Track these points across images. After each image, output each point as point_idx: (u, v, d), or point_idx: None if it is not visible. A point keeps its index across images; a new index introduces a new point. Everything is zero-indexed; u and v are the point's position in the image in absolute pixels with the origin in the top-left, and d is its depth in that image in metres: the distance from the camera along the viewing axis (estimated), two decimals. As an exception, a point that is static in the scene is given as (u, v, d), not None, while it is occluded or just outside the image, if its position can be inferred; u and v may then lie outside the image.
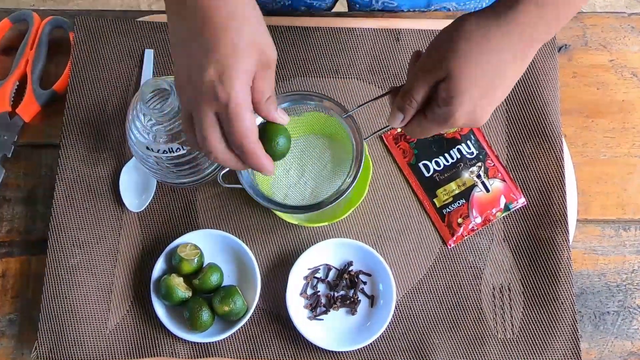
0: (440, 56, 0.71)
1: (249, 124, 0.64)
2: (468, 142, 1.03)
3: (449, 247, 1.00)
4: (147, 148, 0.89)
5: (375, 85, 1.06)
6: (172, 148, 0.88)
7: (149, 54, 1.06)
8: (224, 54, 0.61)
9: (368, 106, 0.92)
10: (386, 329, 0.96)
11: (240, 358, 0.96)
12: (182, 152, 0.89)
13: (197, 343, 0.95)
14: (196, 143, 0.68)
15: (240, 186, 0.88)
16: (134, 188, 1.02)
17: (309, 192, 0.94)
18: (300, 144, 0.95)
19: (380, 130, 0.90)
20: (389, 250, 1.00)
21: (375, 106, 1.05)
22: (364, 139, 0.88)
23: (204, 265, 0.99)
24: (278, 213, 0.96)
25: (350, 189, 0.86)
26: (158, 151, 0.88)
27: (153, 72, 1.06)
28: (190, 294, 0.97)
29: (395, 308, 0.96)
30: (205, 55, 0.62)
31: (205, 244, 0.99)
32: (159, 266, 0.98)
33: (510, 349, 0.95)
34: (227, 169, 0.91)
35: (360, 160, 0.87)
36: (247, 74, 0.63)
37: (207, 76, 0.61)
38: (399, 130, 1.03)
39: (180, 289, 0.95)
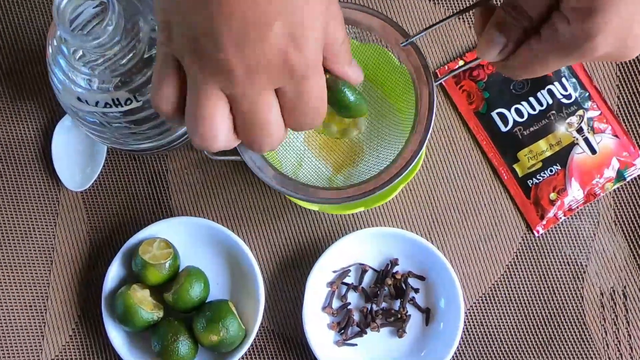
0: None
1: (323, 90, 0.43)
2: (563, 79, 0.70)
3: (536, 234, 0.69)
4: (80, 100, 0.55)
5: (445, 3, 0.72)
6: (118, 99, 0.55)
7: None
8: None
9: (434, 32, 0.59)
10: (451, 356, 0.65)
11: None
12: (136, 104, 0.56)
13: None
14: (194, 118, 0.41)
15: (237, 158, 0.56)
16: (74, 157, 0.70)
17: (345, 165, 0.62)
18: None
19: (460, 67, 0.57)
20: (450, 242, 0.70)
21: (446, 31, 0.71)
22: (436, 82, 0.55)
23: (180, 271, 0.67)
24: (296, 200, 0.63)
25: (416, 158, 0.54)
26: (97, 104, 0.55)
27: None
28: (160, 314, 0.66)
29: (463, 325, 0.66)
30: None
31: (182, 239, 0.68)
32: (114, 273, 0.67)
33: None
34: None
35: (431, 115, 0.55)
36: (321, 26, 0.41)
37: (273, 37, 0.38)
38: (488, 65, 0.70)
39: (145, 307, 0.64)
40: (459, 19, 0.72)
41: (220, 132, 0.41)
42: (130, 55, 0.54)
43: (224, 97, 0.39)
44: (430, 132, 0.56)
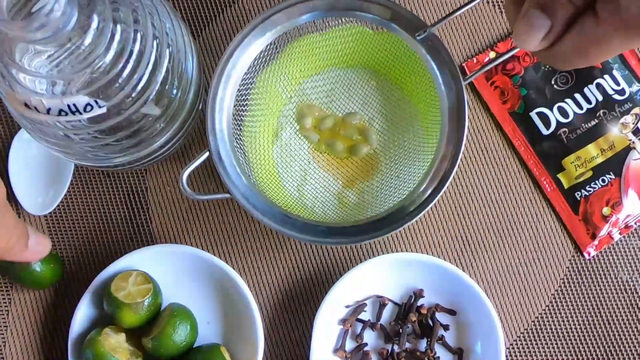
0: None
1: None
2: (614, 72, 0.59)
3: (587, 257, 0.58)
4: (28, 106, 0.44)
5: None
6: (75, 105, 0.44)
7: None
8: None
9: (458, 19, 0.48)
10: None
11: None
12: (99, 110, 0.45)
13: None
14: None
15: (226, 195, 0.47)
16: (35, 175, 0.59)
17: (355, 193, 0.52)
18: (332, 88, 0.52)
19: (493, 60, 0.46)
20: (485, 269, 0.59)
21: (472, 18, 0.60)
22: (465, 80, 0.45)
23: (162, 310, 0.56)
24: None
25: (449, 180, 0.44)
26: (49, 112, 0.44)
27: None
28: (139, 364, 0.54)
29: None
30: None
31: (165, 271, 0.57)
32: (83, 314, 0.56)
33: None
34: (193, 165, 0.48)
35: (463, 122, 0.45)
36: None
37: None
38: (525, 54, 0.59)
39: (120, 356, 0.53)
40: (487, 1, 0.61)
41: None
42: (95, 47, 0.43)
43: None
44: (464, 137, 0.46)
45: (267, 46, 0.50)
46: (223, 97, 0.50)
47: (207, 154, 0.49)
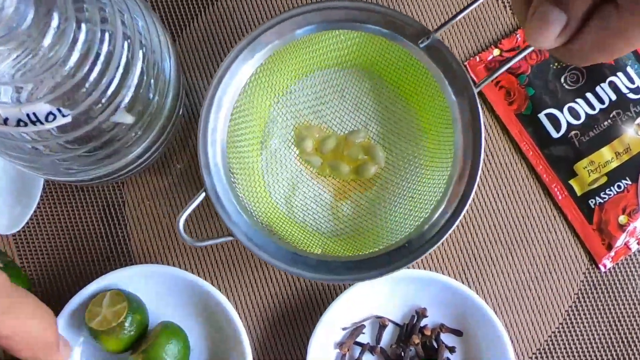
0: None
1: None
2: (628, 68, 0.55)
3: (602, 269, 0.53)
4: (-17, 117, 0.40)
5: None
6: (35, 115, 0.39)
7: None
8: None
9: (464, 21, 0.44)
10: None
11: None
12: (63, 120, 0.40)
13: None
14: None
15: (229, 238, 0.42)
16: (0, 190, 0.54)
17: (363, 207, 0.48)
18: (323, 94, 0.48)
19: (502, 64, 0.43)
20: (492, 285, 0.54)
21: (474, 12, 0.56)
22: (477, 86, 0.41)
23: (148, 329, 0.51)
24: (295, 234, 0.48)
25: (469, 200, 0.40)
26: (6, 122, 0.39)
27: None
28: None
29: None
30: None
31: (145, 294, 0.52)
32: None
33: None
34: (190, 209, 0.43)
35: (480, 134, 0.41)
36: None
37: None
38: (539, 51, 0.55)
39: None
40: (491, -4, 0.56)
41: None
42: (56, 48, 0.38)
43: None
44: (482, 150, 0.41)
45: (258, 67, 0.46)
46: (215, 127, 0.45)
47: (203, 194, 0.44)
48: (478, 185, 0.54)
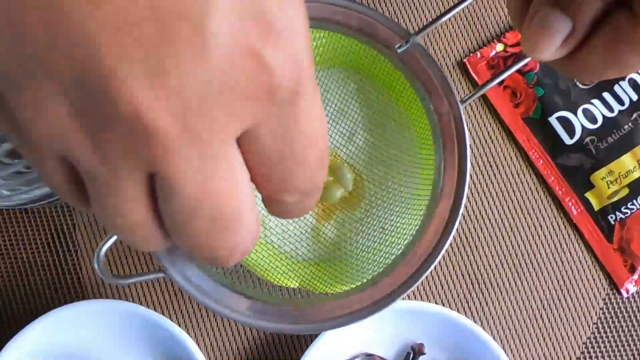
0: None
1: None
2: (650, 65, 0.47)
3: (625, 294, 0.47)
4: None
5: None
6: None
7: None
8: None
9: (463, 12, 0.37)
10: None
11: None
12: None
13: None
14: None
15: (159, 275, 0.34)
16: None
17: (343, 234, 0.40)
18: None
19: (503, 72, 0.35)
20: (498, 317, 0.48)
21: (479, 6, 0.49)
22: (463, 101, 0.34)
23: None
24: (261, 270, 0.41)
25: (453, 230, 0.32)
26: None
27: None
28: None
29: None
30: None
31: (98, 335, 0.46)
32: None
33: None
34: (110, 241, 0.34)
35: (464, 155, 0.34)
36: None
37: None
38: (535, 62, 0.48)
39: None
40: (493, -17, 0.49)
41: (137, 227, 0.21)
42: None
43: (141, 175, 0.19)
44: (467, 171, 0.34)
45: None
46: None
47: None
48: (480, 200, 0.47)
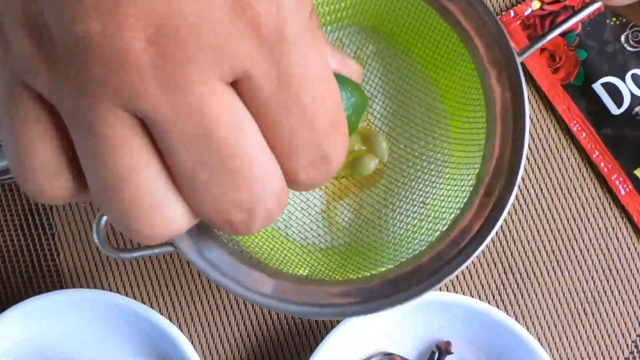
0: None
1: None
2: None
3: (680, 286, 0.41)
4: None
5: None
6: None
7: None
8: None
9: None
10: None
11: None
12: None
13: None
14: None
15: (166, 249, 0.30)
16: None
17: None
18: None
19: (568, 19, 0.29)
20: (536, 309, 0.43)
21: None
22: (520, 54, 0.28)
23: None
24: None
25: (504, 212, 0.27)
26: None
27: None
28: None
29: None
30: None
31: (77, 329, 0.41)
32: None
33: None
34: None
35: (523, 124, 0.28)
36: None
37: None
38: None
39: None
40: None
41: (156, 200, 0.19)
42: None
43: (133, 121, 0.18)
44: (526, 133, 0.29)
45: None
46: None
47: None
48: (515, 178, 0.42)
